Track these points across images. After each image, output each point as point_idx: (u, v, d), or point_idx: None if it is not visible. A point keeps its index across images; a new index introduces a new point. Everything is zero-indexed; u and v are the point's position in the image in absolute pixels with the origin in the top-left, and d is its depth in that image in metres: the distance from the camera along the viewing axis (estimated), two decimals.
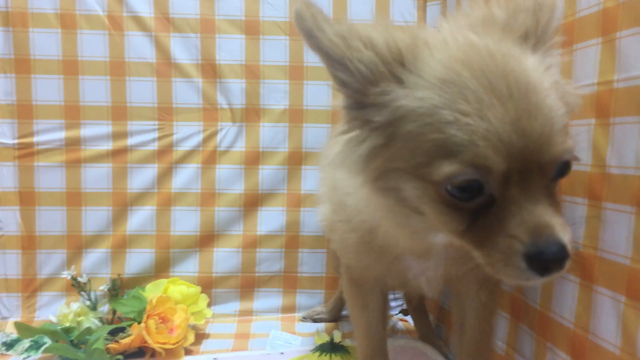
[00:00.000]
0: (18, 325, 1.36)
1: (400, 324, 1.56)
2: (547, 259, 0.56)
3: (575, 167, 0.88)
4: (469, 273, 0.90)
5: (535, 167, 0.57)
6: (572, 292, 0.87)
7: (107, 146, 1.54)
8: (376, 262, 0.90)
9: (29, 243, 1.54)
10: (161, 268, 1.58)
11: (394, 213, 0.71)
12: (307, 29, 0.61)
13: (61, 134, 1.52)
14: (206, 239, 1.60)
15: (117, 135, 1.55)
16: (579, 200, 0.86)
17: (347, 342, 1.26)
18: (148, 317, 1.33)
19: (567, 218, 0.89)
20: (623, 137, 0.77)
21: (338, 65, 0.62)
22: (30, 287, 1.56)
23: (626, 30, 0.76)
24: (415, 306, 1.43)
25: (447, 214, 0.61)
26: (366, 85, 0.62)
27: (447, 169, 0.57)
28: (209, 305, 1.55)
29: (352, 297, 1.05)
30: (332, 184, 0.93)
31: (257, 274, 1.62)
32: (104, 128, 1.54)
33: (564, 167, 0.61)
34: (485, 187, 0.57)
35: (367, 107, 0.63)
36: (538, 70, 0.60)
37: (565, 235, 0.57)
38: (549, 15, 0.66)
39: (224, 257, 1.61)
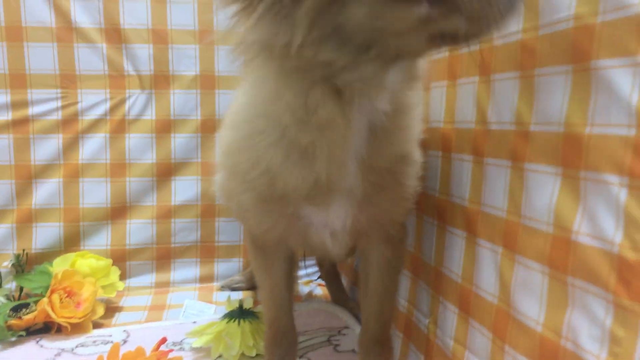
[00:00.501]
0: None
1: (318, 289, 1.57)
2: None
3: (463, 125, 0.90)
4: (376, 227, 0.89)
5: None
6: (459, 246, 0.88)
7: (6, 116, 1.47)
8: (276, 221, 0.88)
9: None
10: (71, 242, 1.53)
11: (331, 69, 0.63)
12: None
13: None
14: (118, 211, 1.55)
15: (17, 105, 1.47)
16: (465, 157, 0.88)
17: (258, 308, 1.26)
18: (52, 291, 1.29)
19: (456, 176, 0.91)
20: (502, 93, 0.78)
21: None
22: None
23: None
24: (328, 270, 1.44)
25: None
26: None
27: None
28: (123, 278, 1.51)
29: (256, 260, 1.04)
30: (225, 148, 0.90)
31: (172, 245, 1.59)
32: (2, 97, 1.46)
33: None
34: None
35: None
36: None
37: None
38: None
39: (138, 229, 1.57)
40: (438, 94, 0.98)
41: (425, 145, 0.92)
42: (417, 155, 0.86)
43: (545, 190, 0.68)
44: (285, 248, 1.00)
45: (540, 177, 0.69)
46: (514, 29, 0.75)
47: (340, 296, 1.42)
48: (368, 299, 1.00)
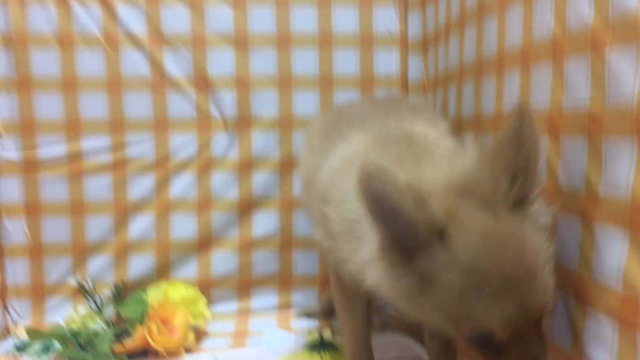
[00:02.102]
0: (28, 330, 1.45)
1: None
2: None
3: None
4: None
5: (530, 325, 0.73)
6: None
7: (107, 158, 1.63)
8: None
9: (36, 251, 1.63)
10: (162, 272, 1.67)
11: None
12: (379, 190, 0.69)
13: (63, 148, 1.61)
14: (204, 243, 1.68)
15: (116, 147, 1.63)
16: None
17: (337, 340, 1.35)
18: (150, 320, 1.42)
19: None
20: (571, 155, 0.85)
21: (398, 220, 0.70)
22: (38, 292, 1.65)
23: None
24: None
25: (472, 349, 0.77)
26: (413, 243, 0.72)
27: (469, 331, 0.73)
28: (208, 305, 1.63)
29: (340, 303, 1.14)
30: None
31: (253, 275, 1.70)
32: (103, 141, 1.62)
33: None
34: (493, 341, 0.73)
35: (407, 251, 0.73)
36: (535, 246, 0.73)
37: None
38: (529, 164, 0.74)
39: (221, 260, 1.69)
40: None
41: None
42: None
43: (614, 250, 0.74)
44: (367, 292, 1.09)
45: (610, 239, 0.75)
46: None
47: (414, 328, 1.49)
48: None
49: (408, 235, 0.71)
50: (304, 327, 1.56)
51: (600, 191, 0.78)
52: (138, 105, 1.62)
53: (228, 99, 1.64)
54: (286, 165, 1.67)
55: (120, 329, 1.46)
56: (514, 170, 0.74)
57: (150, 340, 1.39)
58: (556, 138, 0.89)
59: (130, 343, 1.39)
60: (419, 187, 0.72)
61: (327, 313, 1.65)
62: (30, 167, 1.61)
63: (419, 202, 0.69)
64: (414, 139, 0.95)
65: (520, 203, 0.74)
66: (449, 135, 1.09)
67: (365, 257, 0.84)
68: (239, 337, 1.55)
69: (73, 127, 1.61)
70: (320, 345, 1.30)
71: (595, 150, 0.79)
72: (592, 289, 0.78)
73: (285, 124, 1.66)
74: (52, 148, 1.61)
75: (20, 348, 1.45)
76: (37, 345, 1.43)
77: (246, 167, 1.67)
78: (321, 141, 1.12)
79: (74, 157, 1.62)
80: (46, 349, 1.42)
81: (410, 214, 0.68)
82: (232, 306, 1.70)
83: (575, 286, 0.83)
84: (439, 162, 0.85)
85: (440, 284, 0.71)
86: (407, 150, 0.91)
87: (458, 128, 1.33)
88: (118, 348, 1.39)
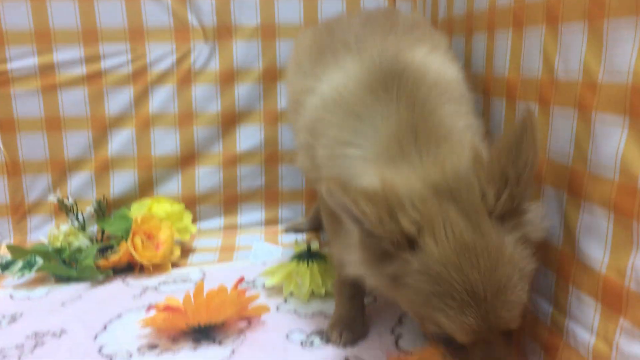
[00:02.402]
0: (10, 248, 1.42)
1: None
2: None
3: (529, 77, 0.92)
4: None
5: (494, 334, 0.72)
6: None
7: (81, 70, 1.55)
8: None
9: (13, 169, 1.58)
10: (145, 188, 1.63)
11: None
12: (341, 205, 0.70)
13: (34, 60, 1.53)
14: (187, 158, 1.64)
15: (90, 59, 1.55)
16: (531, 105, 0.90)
17: (324, 250, 1.34)
18: (134, 234, 1.39)
19: None
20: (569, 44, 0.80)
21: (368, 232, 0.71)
22: (19, 211, 1.61)
23: None
24: None
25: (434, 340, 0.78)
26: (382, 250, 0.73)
27: (433, 329, 0.74)
28: (194, 221, 1.61)
29: (327, 216, 1.11)
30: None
31: (239, 190, 1.67)
32: (76, 52, 1.54)
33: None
34: (456, 342, 0.73)
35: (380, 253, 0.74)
36: (512, 262, 0.70)
37: None
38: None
39: (206, 175, 1.65)
40: (503, 42, 0.99)
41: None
42: None
43: (612, 138, 0.70)
44: None
45: (608, 126, 0.71)
46: None
47: None
48: None
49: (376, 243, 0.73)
50: (291, 241, 1.55)
51: (599, 78, 0.73)
52: (111, 13, 1.52)
53: (206, 6, 1.55)
54: (270, 77, 1.61)
55: (105, 245, 1.44)
56: (505, 180, 0.71)
57: (134, 254, 1.36)
58: (554, 28, 0.84)
59: (115, 257, 1.37)
60: (390, 196, 0.71)
61: (314, 228, 1.63)
62: (1, 81, 1.53)
63: (383, 216, 0.69)
64: (415, 88, 0.86)
65: (507, 215, 0.72)
66: (449, 55, 1.03)
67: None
68: (226, 252, 1.54)
69: (43, 38, 1.52)
70: (307, 255, 1.28)
71: (595, 36, 0.74)
72: (587, 180, 0.75)
73: (268, 32, 1.58)
74: (22, 61, 1.53)
75: (4, 267, 1.42)
76: (20, 263, 1.40)
77: (228, 78, 1.60)
78: (312, 62, 1.05)
79: (46, 69, 1.54)
80: (29, 266, 1.39)
81: (372, 230, 0.70)
82: (218, 222, 1.68)
83: (569, 181, 0.80)
84: (434, 152, 0.79)
85: (409, 287, 0.72)
86: (407, 111, 0.83)
87: (449, 28, 1.27)
88: (102, 263, 1.36)
